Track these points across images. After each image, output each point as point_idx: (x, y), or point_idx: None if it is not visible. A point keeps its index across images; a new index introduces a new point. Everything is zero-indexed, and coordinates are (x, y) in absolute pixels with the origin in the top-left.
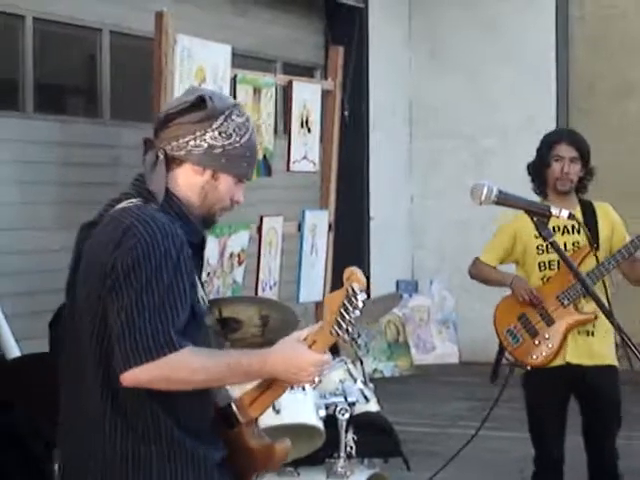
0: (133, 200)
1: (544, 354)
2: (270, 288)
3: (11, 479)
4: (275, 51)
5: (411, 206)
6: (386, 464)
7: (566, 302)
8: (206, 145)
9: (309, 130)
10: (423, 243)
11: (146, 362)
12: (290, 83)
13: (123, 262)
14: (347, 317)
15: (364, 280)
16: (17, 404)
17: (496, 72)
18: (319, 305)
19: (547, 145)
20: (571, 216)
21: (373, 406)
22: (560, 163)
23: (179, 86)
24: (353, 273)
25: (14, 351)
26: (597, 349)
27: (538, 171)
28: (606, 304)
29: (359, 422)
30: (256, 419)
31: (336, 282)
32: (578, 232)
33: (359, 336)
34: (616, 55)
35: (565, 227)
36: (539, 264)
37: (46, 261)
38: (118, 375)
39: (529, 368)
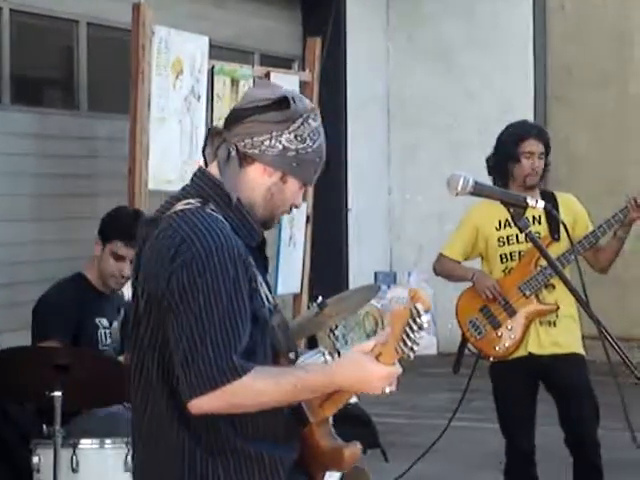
0: (191, 201)
1: (506, 345)
2: None
3: None
4: (253, 42)
5: (389, 197)
6: (364, 455)
7: (528, 292)
8: (281, 147)
9: None
10: (401, 234)
11: (211, 391)
12: (268, 74)
13: (179, 279)
14: (412, 336)
15: (429, 301)
16: None
17: (474, 62)
18: (297, 297)
19: (514, 140)
20: (547, 207)
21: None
22: (530, 160)
23: (156, 77)
24: (417, 293)
25: None
26: (559, 339)
27: (502, 165)
28: (582, 294)
29: (337, 413)
30: (327, 418)
31: (315, 274)
32: (539, 223)
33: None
34: (593, 44)
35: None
36: (500, 256)
37: (24, 253)
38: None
39: (492, 359)
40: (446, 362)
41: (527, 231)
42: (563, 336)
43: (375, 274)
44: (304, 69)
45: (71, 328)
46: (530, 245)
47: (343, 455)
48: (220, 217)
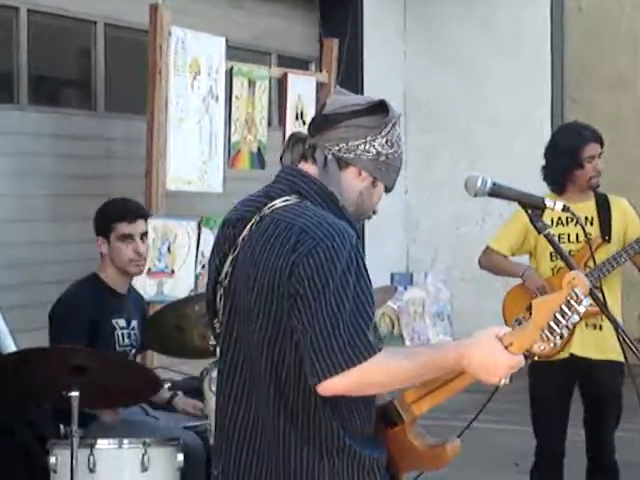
0: (289, 198)
1: (551, 345)
2: None
3: (4, 472)
4: (270, 43)
5: (406, 199)
6: None
7: None
8: (375, 151)
9: (304, 122)
10: (418, 236)
11: (346, 369)
12: (285, 75)
13: (305, 268)
14: (563, 322)
15: (588, 284)
16: (10, 398)
17: (491, 65)
18: None
19: (575, 147)
20: (565, 208)
21: None
22: (593, 163)
23: (174, 78)
24: (576, 277)
25: (10, 345)
26: (604, 343)
27: (565, 173)
28: (601, 299)
29: None
30: (417, 417)
31: None
32: (591, 224)
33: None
34: (611, 47)
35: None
36: (550, 254)
37: (40, 253)
38: (293, 384)
39: (536, 358)
40: None
41: (545, 232)
42: (608, 341)
43: (392, 275)
44: (321, 70)
45: (86, 331)
46: (581, 245)
47: (445, 451)
48: (327, 212)
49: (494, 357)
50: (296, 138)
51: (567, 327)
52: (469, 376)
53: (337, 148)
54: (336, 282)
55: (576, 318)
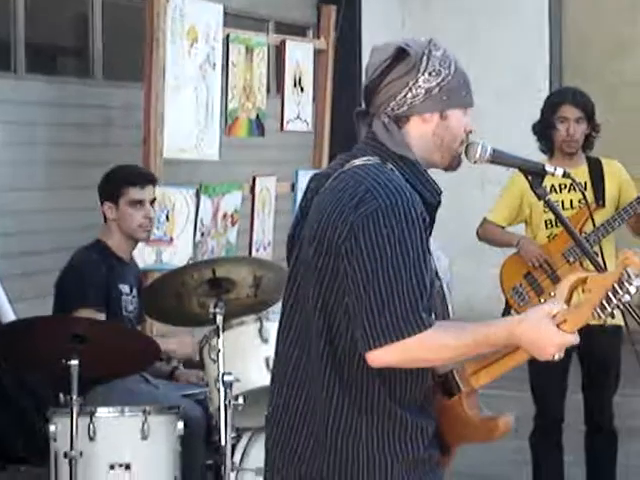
0: (370, 158)
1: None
2: (264, 249)
3: (4, 439)
4: (267, 10)
5: None
6: None
7: (572, 259)
8: (423, 91)
9: (302, 90)
10: None
11: (395, 342)
12: (283, 42)
13: (364, 227)
14: (614, 301)
15: None
16: (9, 366)
17: (490, 32)
18: None
19: (551, 106)
20: (565, 174)
21: None
22: (565, 124)
23: (171, 46)
24: (630, 257)
25: (9, 315)
26: None
27: (543, 132)
28: (601, 264)
29: None
30: (476, 390)
31: None
32: (585, 189)
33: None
34: (611, 12)
35: (572, 184)
36: (545, 222)
37: (39, 221)
38: (344, 343)
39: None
40: None
41: (546, 199)
42: None
43: None
44: (319, 37)
45: (103, 294)
46: (575, 212)
47: (497, 425)
48: (400, 176)
49: (545, 335)
50: (358, 113)
51: (617, 306)
52: (525, 351)
53: (390, 108)
54: (394, 249)
55: (628, 298)
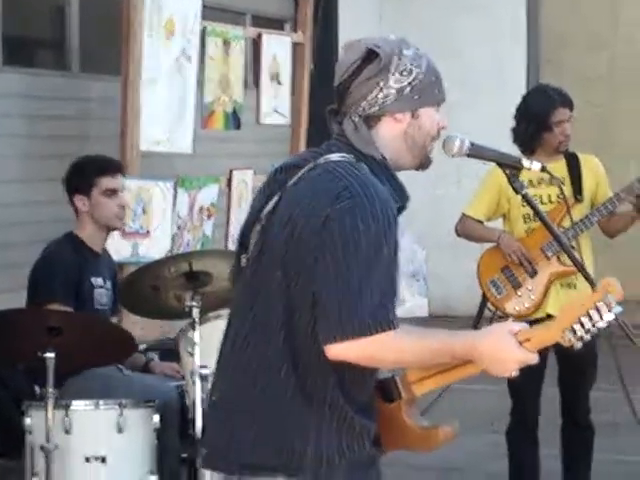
0: (346, 155)
1: (526, 305)
2: None
3: None
4: (244, 3)
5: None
6: None
7: (549, 254)
8: (394, 91)
9: (279, 83)
10: None
11: (360, 337)
12: (260, 36)
13: (340, 223)
14: (587, 326)
15: (622, 293)
16: None
17: (467, 26)
18: None
19: (544, 112)
20: (543, 169)
21: None
22: (560, 127)
23: (147, 39)
24: (611, 285)
25: None
26: None
27: (534, 136)
28: (579, 258)
29: None
30: (416, 398)
31: None
32: (563, 184)
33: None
34: (587, 7)
35: (550, 179)
36: (524, 216)
37: (15, 214)
38: (304, 336)
39: (511, 319)
40: (437, 325)
41: (523, 192)
42: None
43: None
44: (296, 30)
45: (73, 289)
46: (553, 206)
47: (437, 435)
48: (374, 176)
49: (505, 352)
50: (330, 111)
51: (589, 332)
52: (476, 366)
53: (361, 108)
54: (369, 246)
55: (602, 325)
